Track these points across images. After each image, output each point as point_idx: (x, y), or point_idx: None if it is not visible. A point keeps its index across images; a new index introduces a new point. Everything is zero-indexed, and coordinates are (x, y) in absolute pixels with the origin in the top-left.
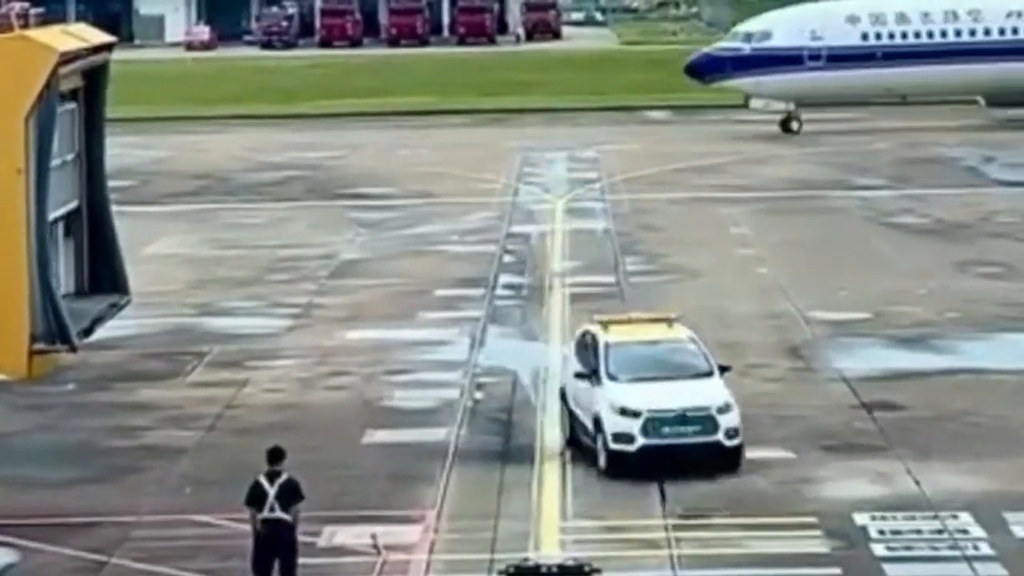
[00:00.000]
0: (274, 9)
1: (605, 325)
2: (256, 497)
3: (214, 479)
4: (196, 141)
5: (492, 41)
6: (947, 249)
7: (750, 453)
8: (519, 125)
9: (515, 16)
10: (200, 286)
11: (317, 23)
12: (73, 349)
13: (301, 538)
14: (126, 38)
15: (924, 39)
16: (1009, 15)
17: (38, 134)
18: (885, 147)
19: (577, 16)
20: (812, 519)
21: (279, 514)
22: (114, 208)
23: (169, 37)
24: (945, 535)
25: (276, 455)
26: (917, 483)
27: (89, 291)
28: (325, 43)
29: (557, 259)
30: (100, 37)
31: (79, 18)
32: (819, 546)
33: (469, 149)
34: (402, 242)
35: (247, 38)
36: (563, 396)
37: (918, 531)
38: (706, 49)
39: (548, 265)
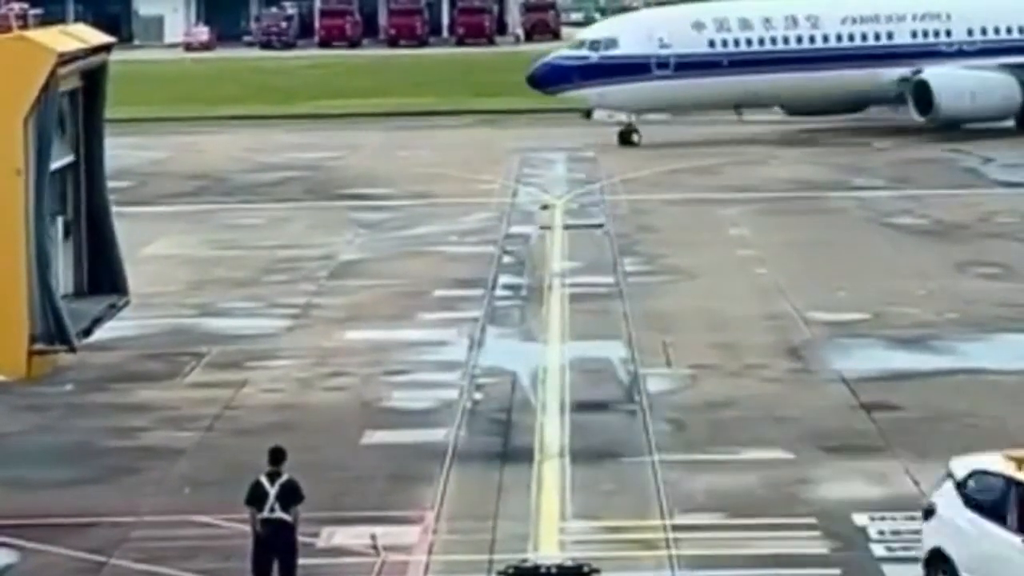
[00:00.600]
0: (273, 10)
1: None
2: (256, 497)
3: (213, 479)
4: (195, 142)
5: (491, 42)
6: (946, 250)
7: (749, 454)
8: (518, 126)
9: (514, 17)
10: (199, 287)
11: (316, 24)
12: (72, 350)
13: (300, 539)
14: (125, 39)
15: (768, 46)
16: (844, 21)
17: (37, 135)
18: (884, 147)
19: (576, 17)
20: (811, 520)
21: (279, 514)
22: (113, 209)
23: (168, 38)
24: None
25: (278, 455)
26: (916, 483)
27: (88, 292)
28: (324, 44)
29: (556, 259)
30: (99, 38)
31: (78, 19)
32: (818, 547)
33: (468, 150)
34: (401, 243)
35: (246, 39)
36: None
37: (917, 532)
38: (548, 57)
39: (547, 265)
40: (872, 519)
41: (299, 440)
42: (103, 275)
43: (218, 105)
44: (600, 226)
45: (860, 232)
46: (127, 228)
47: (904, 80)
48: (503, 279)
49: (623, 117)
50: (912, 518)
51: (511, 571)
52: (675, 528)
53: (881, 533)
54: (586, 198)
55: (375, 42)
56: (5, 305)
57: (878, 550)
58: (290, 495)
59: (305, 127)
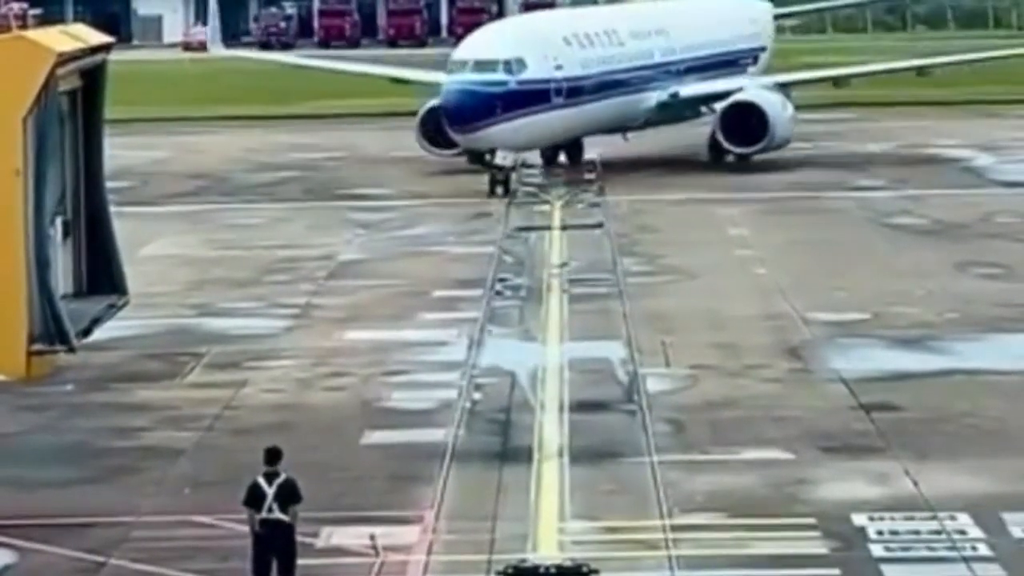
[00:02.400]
0: (272, 10)
1: None
2: (255, 498)
3: (213, 480)
4: (194, 142)
5: None
6: (946, 250)
7: (749, 454)
8: None
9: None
10: (198, 287)
11: (315, 24)
12: (72, 350)
13: (299, 539)
14: (124, 39)
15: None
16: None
17: (36, 135)
18: (883, 147)
19: None
20: (810, 520)
21: (277, 515)
22: (112, 209)
23: (167, 38)
24: (943, 536)
25: (274, 455)
26: (915, 484)
27: (88, 292)
28: (323, 44)
29: (555, 260)
30: (98, 38)
31: (77, 19)
32: (817, 547)
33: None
34: (400, 243)
35: (245, 39)
36: None
37: (916, 532)
38: (457, 83)
39: (546, 266)
40: (871, 519)
41: (299, 440)
42: (102, 275)
43: (217, 105)
44: (600, 225)
45: (860, 232)
46: (127, 228)
47: (671, 103)
48: (502, 279)
49: (510, 160)
50: (911, 518)
51: (510, 571)
52: (674, 528)
53: (880, 533)
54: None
55: (374, 42)
56: (5, 305)
57: (877, 550)
58: (288, 495)
59: (304, 127)
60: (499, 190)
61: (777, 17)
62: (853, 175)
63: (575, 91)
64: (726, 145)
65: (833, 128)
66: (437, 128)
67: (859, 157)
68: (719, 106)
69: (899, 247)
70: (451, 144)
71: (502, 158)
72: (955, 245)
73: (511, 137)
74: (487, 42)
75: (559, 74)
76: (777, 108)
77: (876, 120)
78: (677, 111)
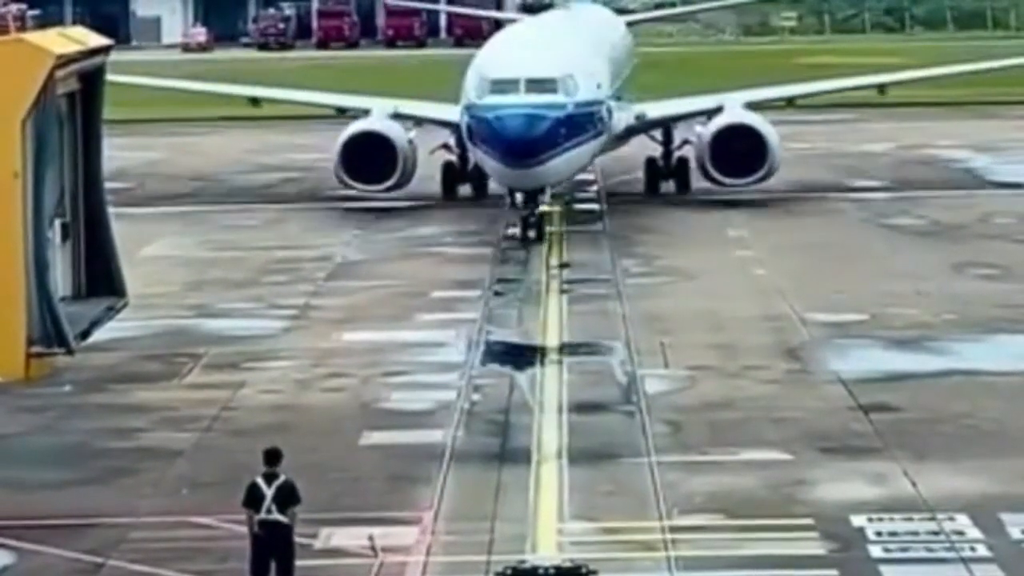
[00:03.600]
0: (271, 11)
1: None
2: (253, 499)
3: (211, 481)
4: (192, 143)
5: None
6: (944, 251)
7: (747, 455)
8: None
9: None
10: (196, 288)
11: (314, 24)
12: (70, 352)
13: (298, 540)
14: (123, 40)
15: None
16: None
17: (35, 137)
18: (882, 149)
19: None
20: (809, 521)
21: (276, 516)
22: (111, 210)
23: (166, 39)
24: (942, 537)
25: (273, 456)
26: (914, 485)
27: (86, 294)
28: (322, 44)
29: (554, 261)
30: (97, 40)
31: (76, 20)
32: (816, 548)
33: None
34: (399, 244)
35: (244, 40)
36: None
37: (915, 533)
38: (512, 107)
39: (544, 267)
40: (870, 520)
41: (297, 441)
42: (101, 277)
43: (215, 106)
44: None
45: (858, 233)
46: (125, 229)
47: (636, 127)
48: (501, 280)
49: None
50: (909, 519)
51: (509, 572)
52: (673, 529)
53: (879, 534)
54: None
55: (373, 43)
56: (4, 307)
57: (876, 551)
58: (287, 497)
59: (303, 128)
60: (531, 234)
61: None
62: (851, 176)
63: (608, 114)
64: (718, 176)
65: (831, 129)
66: (365, 157)
67: (857, 157)
68: (705, 130)
69: (897, 248)
70: (381, 175)
71: (544, 200)
72: (953, 246)
73: (564, 171)
74: (534, 57)
75: (601, 94)
76: (773, 131)
77: (874, 120)
78: (635, 134)
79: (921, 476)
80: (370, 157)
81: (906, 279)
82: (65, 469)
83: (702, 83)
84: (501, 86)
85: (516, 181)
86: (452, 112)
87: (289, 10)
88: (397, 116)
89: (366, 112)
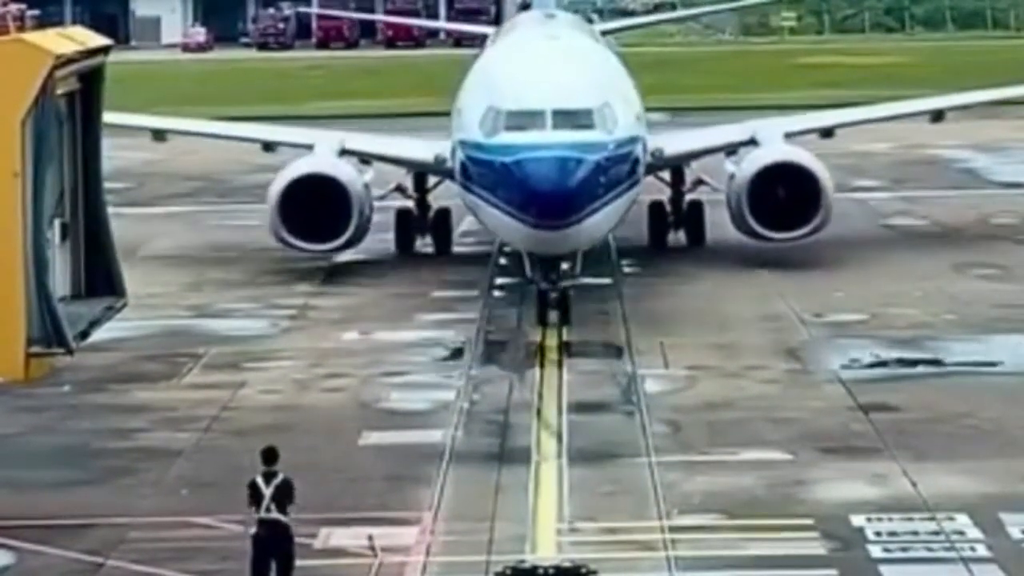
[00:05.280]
0: (271, 11)
1: None
2: (253, 498)
3: (211, 481)
4: (191, 143)
5: None
6: (944, 251)
7: (747, 455)
8: None
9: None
10: (195, 288)
11: (314, 24)
12: (69, 352)
13: (298, 540)
14: (122, 40)
15: None
16: None
17: (34, 137)
18: (882, 148)
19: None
20: (809, 520)
21: (275, 515)
22: (110, 210)
23: (165, 39)
24: (942, 537)
25: (270, 455)
26: (914, 485)
27: (86, 294)
28: (322, 45)
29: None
30: (97, 40)
31: (76, 20)
32: (816, 548)
33: None
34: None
35: (243, 40)
36: None
37: (915, 533)
38: (538, 150)
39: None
40: (869, 520)
41: (297, 441)
42: (100, 277)
43: (214, 106)
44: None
45: (858, 233)
46: (124, 229)
47: (653, 164)
48: (500, 280)
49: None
50: (909, 519)
51: (509, 572)
52: (673, 529)
53: (878, 534)
54: None
55: (372, 43)
56: (3, 307)
57: (875, 551)
58: (286, 495)
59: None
60: (553, 317)
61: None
62: (852, 176)
63: (645, 153)
64: (760, 229)
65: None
66: (309, 208)
67: (858, 157)
68: (740, 169)
69: (897, 248)
70: (331, 231)
71: (573, 271)
72: (953, 246)
73: (603, 229)
74: (560, 80)
75: (640, 128)
76: (825, 170)
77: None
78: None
79: (921, 476)
80: (316, 207)
81: (906, 279)
82: (64, 469)
83: (703, 83)
84: (520, 120)
85: (543, 246)
86: (414, 147)
87: (288, 10)
88: (345, 153)
89: (308, 148)
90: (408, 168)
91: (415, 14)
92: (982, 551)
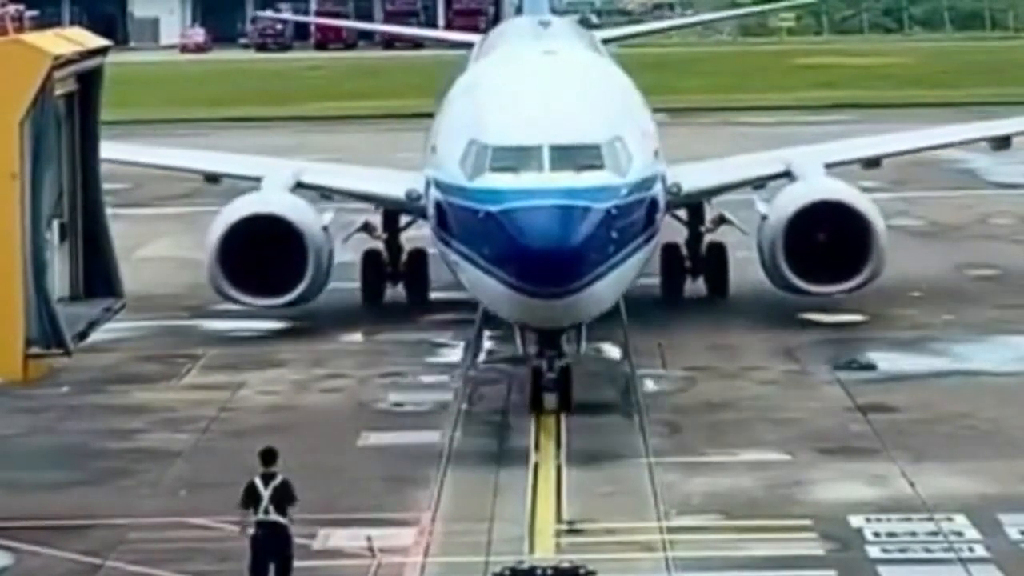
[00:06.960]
0: (269, 12)
1: None
2: (251, 499)
3: (209, 481)
4: (190, 144)
5: None
6: (943, 251)
7: (745, 455)
8: None
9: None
10: (194, 289)
11: (312, 26)
12: (68, 353)
13: (296, 540)
14: (121, 41)
15: None
16: None
17: (32, 138)
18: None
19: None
20: (807, 521)
21: (274, 516)
22: (109, 211)
23: (164, 40)
24: (940, 537)
25: (269, 456)
26: (912, 485)
27: (84, 295)
28: (320, 46)
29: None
30: (95, 41)
31: (74, 21)
32: (814, 548)
33: None
34: None
35: (242, 40)
36: None
37: (913, 533)
38: (532, 199)
39: None
40: (868, 521)
41: (295, 442)
42: (99, 278)
43: (213, 107)
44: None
45: None
46: (123, 230)
47: (670, 202)
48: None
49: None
50: (908, 520)
51: (507, 573)
52: (671, 530)
53: (877, 535)
54: None
55: (371, 44)
56: (1, 309)
57: (874, 551)
58: (284, 496)
59: (302, 129)
60: (550, 401)
61: None
62: (851, 176)
63: (663, 194)
64: (797, 282)
65: (831, 129)
66: (254, 255)
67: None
68: (774, 208)
69: (896, 248)
70: (281, 283)
71: (575, 347)
72: (952, 246)
73: (611, 296)
74: (558, 107)
75: (659, 165)
76: (876, 210)
77: (875, 121)
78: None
79: (919, 476)
80: (264, 255)
81: (905, 280)
82: (63, 470)
83: (701, 84)
84: (510, 158)
85: (538, 318)
86: (383, 181)
87: (287, 11)
88: (301, 186)
89: (255, 181)
90: (376, 204)
91: (413, 16)
92: (980, 552)
